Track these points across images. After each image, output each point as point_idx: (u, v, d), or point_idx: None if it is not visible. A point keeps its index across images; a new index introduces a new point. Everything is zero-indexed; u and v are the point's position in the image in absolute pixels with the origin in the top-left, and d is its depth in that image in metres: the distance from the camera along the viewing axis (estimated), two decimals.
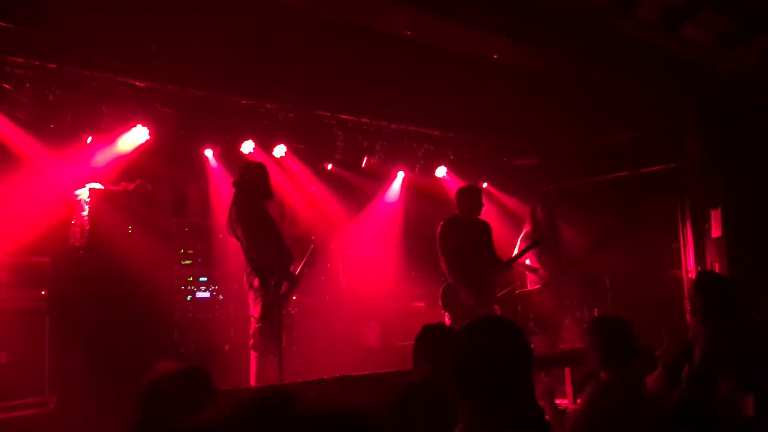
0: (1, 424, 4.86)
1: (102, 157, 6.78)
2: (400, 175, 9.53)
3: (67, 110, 6.25)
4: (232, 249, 7.64)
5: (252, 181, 5.94)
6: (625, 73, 6.96)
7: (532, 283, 7.58)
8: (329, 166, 8.80)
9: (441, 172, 9.54)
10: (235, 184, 5.94)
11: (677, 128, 8.29)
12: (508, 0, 5.53)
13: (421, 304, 8.86)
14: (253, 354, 5.64)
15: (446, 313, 6.16)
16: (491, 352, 1.92)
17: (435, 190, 9.60)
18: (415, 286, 9.18)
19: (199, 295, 7.19)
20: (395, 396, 2.61)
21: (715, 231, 7.80)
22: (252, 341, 5.67)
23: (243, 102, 7.45)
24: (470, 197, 6.45)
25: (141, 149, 6.93)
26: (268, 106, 7.64)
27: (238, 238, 5.81)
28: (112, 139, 6.83)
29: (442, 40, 6.18)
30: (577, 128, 9.13)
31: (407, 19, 5.65)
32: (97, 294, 5.82)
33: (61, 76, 6.17)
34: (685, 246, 8.30)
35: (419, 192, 9.56)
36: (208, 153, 7.81)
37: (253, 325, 5.67)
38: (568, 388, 6.43)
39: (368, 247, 9.04)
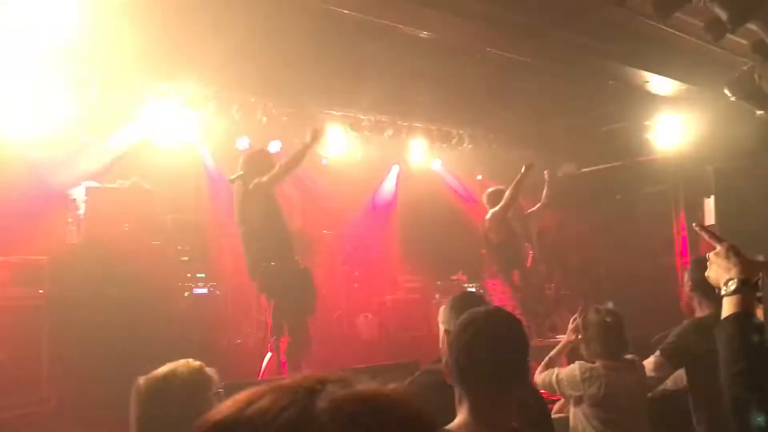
0: (0, 422, 4.88)
1: (98, 155, 6.80)
2: (396, 168, 9.56)
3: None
4: (228, 245, 7.69)
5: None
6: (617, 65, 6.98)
7: None
8: (324, 161, 8.82)
9: (436, 165, 9.58)
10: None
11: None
12: None
13: (417, 296, 8.90)
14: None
15: None
16: (491, 344, 1.92)
17: (430, 183, 9.64)
18: (411, 279, 9.23)
19: (197, 291, 7.21)
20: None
21: (708, 219, 7.85)
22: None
23: (240, 98, 7.44)
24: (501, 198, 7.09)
25: (137, 146, 6.95)
26: (265, 102, 7.63)
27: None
28: (108, 137, 6.85)
29: (430, 29, 6.15)
30: (571, 118, 9.16)
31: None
32: (95, 291, 5.83)
33: None
34: (678, 234, 8.35)
35: (415, 185, 9.59)
36: (204, 150, 7.84)
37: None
38: None
39: (364, 240, 9.07)
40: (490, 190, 7.39)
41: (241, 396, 0.76)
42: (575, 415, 3.63)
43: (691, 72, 7.10)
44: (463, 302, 2.73)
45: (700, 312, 3.73)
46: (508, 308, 5.15)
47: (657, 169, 8.66)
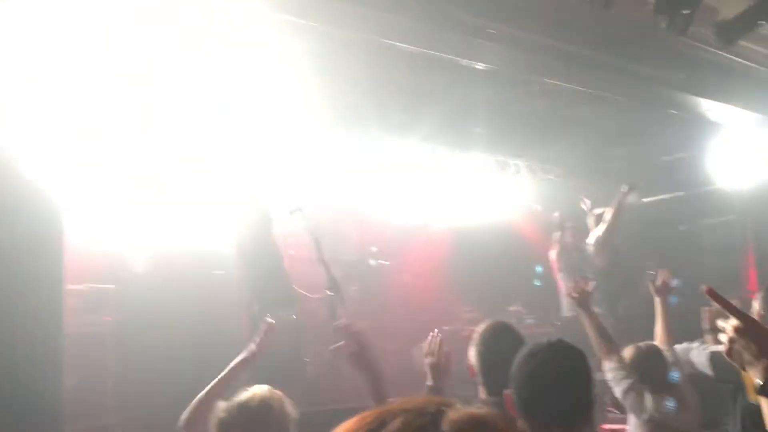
0: None
1: None
2: None
3: None
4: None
5: None
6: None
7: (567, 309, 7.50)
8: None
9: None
10: None
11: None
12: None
13: (475, 327, 8.79)
14: None
15: None
16: (554, 376, 1.89)
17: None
18: (469, 309, 9.15)
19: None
20: None
21: None
22: None
23: None
24: None
25: None
26: None
27: None
28: None
29: (487, 61, 6.15)
30: (631, 148, 9.02)
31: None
32: (160, 319, 5.96)
33: None
34: (747, 267, 8.07)
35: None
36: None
37: None
38: None
39: (422, 270, 9.04)
40: (595, 212, 7.34)
41: (369, 416, 0.81)
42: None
43: (755, 100, 6.93)
44: (484, 338, 2.72)
45: None
46: None
47: (722, 200, 8.41)
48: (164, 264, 6.21)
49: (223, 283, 6.61)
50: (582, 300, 3.86)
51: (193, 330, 5.97)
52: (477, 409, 0.82)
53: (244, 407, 2.30)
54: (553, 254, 7.93)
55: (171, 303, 6.01)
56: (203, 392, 2.68)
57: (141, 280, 6.22)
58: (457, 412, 0.80)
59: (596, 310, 6.49)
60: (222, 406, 2.34)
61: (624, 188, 6.89)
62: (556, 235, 8.00)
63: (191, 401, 2.80)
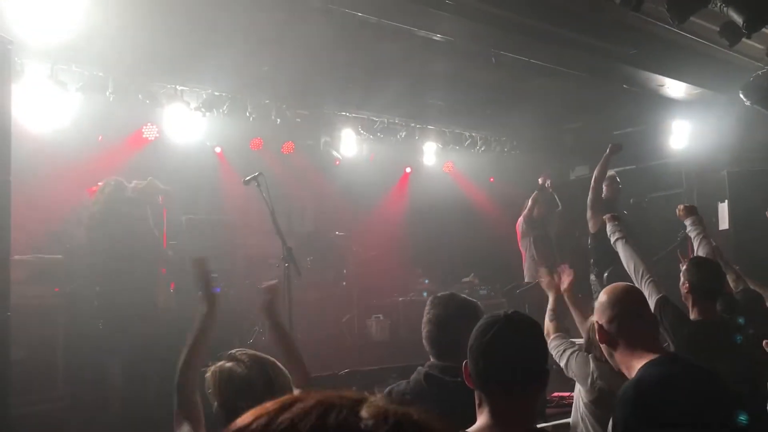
0: (18, 419, 4.91)
1: (115, 155, 6.85)
2: (408, 169, 9.59)
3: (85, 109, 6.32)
4: (241, 245, 7.74)
5: None
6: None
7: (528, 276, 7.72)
8: (338, 162, 8.84)
9: (448, 167, 9.60)
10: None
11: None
12: None
13: (429, 298, 8.87)
14: None
15: None
16: (510, 347, 1.91)
17: (442, 185, 9.64)
18: (423, 280, 9.23)
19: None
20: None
21: (722, 224, 7.81)
22: None
23: (254, 100, 7.47)
24: None
25: (152, 146, 7.01)
26: (279, 104, 7.67)
27: None
28: (125, 138, 6.91)
29: (444, 32, 6.11)
30: (585, 122, 9.14)
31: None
32: (109, 290, 5.85)
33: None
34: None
35: (427, 186, 9.59)
36: (219, 149, 7.90)
37: None
38: None
39: (376, 241, 9.07)
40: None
41: (283, 401, 0.77)
42: (577, 413, 3.67)
43: (706, 76, 7.08)
44: (433, 307, 2.78)
45: (692, 315, 3.68)
46: None
47: (670, 173, 8.62)
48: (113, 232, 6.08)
49: (172, 257, 6.54)
50: (548, 284, 3.97)
51: (144, 301, 5.88)
52: (403, 407, 0.77)
53: (262, 364, 2.27)
54: (520, 223, 7.98)
55: (120, 274, 5.90)
56: (186, 353, 2.58)
57: (92, 250, 6.09)
58: (382, 401, 0.76)
59: (592, 277, 6.63)
60: (230, 364, 2.28)
61: (609, 148, 6.78)
62: (527, 203, 8.02)
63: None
